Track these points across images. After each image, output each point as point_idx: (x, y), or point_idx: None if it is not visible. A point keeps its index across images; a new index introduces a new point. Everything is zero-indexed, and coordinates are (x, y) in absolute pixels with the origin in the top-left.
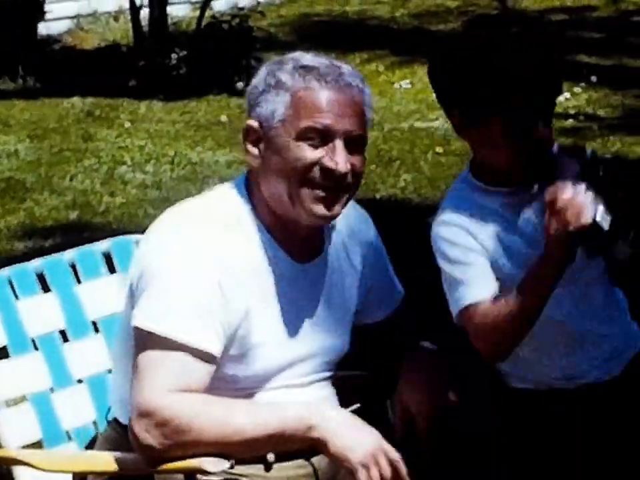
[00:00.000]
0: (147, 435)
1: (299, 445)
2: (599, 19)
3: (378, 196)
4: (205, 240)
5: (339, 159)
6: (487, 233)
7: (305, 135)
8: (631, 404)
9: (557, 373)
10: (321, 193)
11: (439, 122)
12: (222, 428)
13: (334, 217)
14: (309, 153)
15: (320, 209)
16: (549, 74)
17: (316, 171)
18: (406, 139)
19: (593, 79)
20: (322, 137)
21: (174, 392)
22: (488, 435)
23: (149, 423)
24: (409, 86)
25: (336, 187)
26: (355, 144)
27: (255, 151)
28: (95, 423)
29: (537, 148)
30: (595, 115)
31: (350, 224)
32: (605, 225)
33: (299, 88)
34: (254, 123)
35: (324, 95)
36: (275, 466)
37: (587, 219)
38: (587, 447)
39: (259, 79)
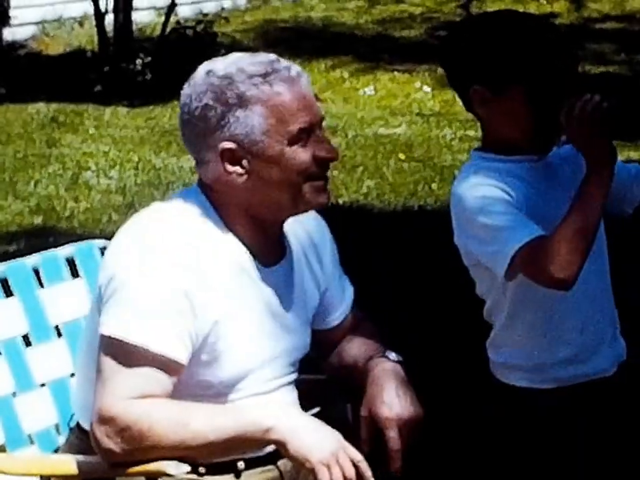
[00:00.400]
0: (108, 441)
1: (259, 447)
2: (561, 26)
3: (341, 202)
4: (173, 247)
5: (328, 146)
6: (517, 195)
7: (296, 138)
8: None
9: (563, 353)
10: (320, 183)
11: (402, 128)
12: (181, 433)
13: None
14: (304, 153)
15: (323, 198)
16: (569, 40)
17: (314, 166)
18: (369, 145)
19: None
20: (308, 133)
21: (135, 398)
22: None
23: (110, 429)
24: (373, 92)
25: (326, 173)
26: (321, 126)
27: (237, 169)
28: (57, 426)
29: (557, 115)
30: None
31: (306, 227)
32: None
33: (269, 96)
34: (229, 144)
35: (293, 94)
36: (243, 473)
37: (605, 103)
38: (587, 447)
39: (205, 100)
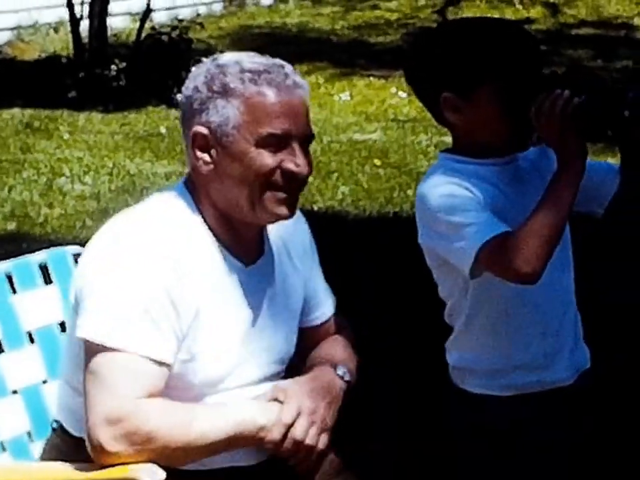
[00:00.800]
0: (115, 443)
1: (252, 445)
2: (537, 32)
3: (316, 208)
4: (151, 247)
5: (300, 161)
6: (482, 196)
7: (265, 142)
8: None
9: (522, 359)
10: (283, 195)
11: (378, 134)
12: (186, 433)
13: (293, 216)
14: (270, 158)
15: (283, 210)
16: (533, 40)
17: (278, 175)
18: (344, 151)
19: None
20: (281, 141)
21: (140, 399)
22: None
23: (117, 431)
24: (348, 98)
25: (297, 188)
26: (307, 143)
27: (205, 157)
28: (29, 433)
29: (527, 117)
30: None
31: (288, 224)
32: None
33: (252, 94)
34: (202, 130)
35: (278, 99)
36: None
37: (575, 99)
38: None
39: (197, 83)
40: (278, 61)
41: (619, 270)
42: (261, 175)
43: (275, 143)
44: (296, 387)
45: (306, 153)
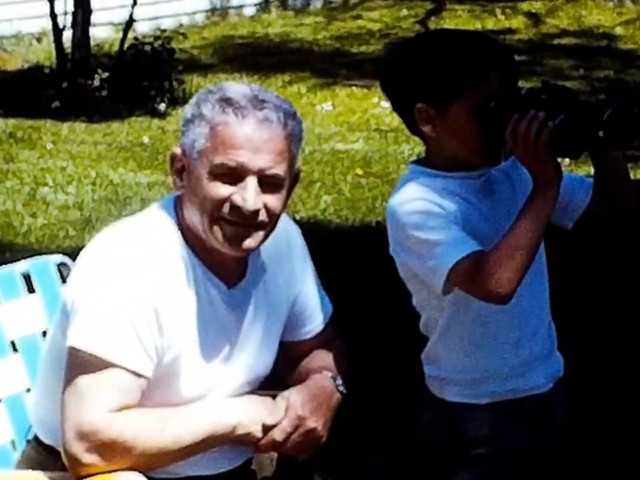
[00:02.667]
0: (90, 455)
1: (228, 443)
2: (519, 41)
3: (298, 217)
4: (141, 263)
5: (248, 196)
6: (452, 210)
7: (217, 171)
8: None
9: (498, 367)
10: (231, 230)
11: (360, 144)
12: (162, 439)
13: (249, 252)
14: (221, 189)
15: (231, 247)
16: (510, 55)
17: (226, 208)
18: (327, 161)
19: None
20: (235, 173)
21: (114, 412)
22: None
23: (91, 443)
24: (330, 108)
25: (247, 224)
26: (271, 182)
27: (177, 180)
28: (12, 442)
29: (500, 133)
30: None
31: (277, 233)
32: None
33: (218, 122)
34: (177, 151)
35: (241, 131)
36: None
37: (550, 123)
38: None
39: (188, 107)
40: (269, 94)
41: (590, 282)
42: (208, 206)
43: (229, 174)
44: (298, 395)
45: (267, 191)
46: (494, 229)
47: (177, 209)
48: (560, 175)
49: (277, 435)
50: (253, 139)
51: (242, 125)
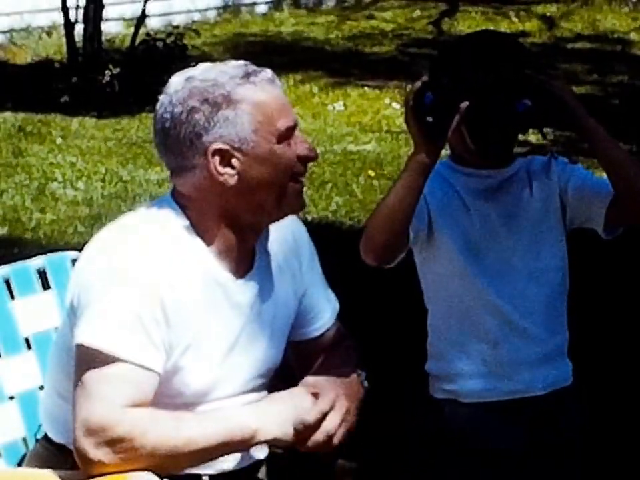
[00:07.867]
0: (98, 452)
1: (245, 448)
2: (533, 45)
3: (309, 218)
4: (147, 257)
5: (307, 145)
6: (439, 202)
7: (285, 135)
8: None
9: (474, 366)
10: (298, 187)
11: (372, 145)
12: (174, 441)
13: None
14: (289, 150)
15: (303, 202)
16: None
17: (298, 165)
18: (338, 161)
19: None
20: (291, 132)
21: (126, 408)
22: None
23: (101, 440)
24: (343, 108)
25: (303, 179)
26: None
27: (228, 170)
28: (24, 439)
29: (491, 128)
30: (526, 140)
31: (284, 230)
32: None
33: (255, 95)
34: (219, 145)
35: (275, 94)
36: None
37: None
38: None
39: (190, 103)
40: (240, 62)
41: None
42: (289, 170)
43: (290, 135)
44: (328, 383)
45: None
46: (483, 228)
47: (181, 206)
48: (427, 147)
49: (321, 434)
50: (283, 96)
51: (272, 89)
